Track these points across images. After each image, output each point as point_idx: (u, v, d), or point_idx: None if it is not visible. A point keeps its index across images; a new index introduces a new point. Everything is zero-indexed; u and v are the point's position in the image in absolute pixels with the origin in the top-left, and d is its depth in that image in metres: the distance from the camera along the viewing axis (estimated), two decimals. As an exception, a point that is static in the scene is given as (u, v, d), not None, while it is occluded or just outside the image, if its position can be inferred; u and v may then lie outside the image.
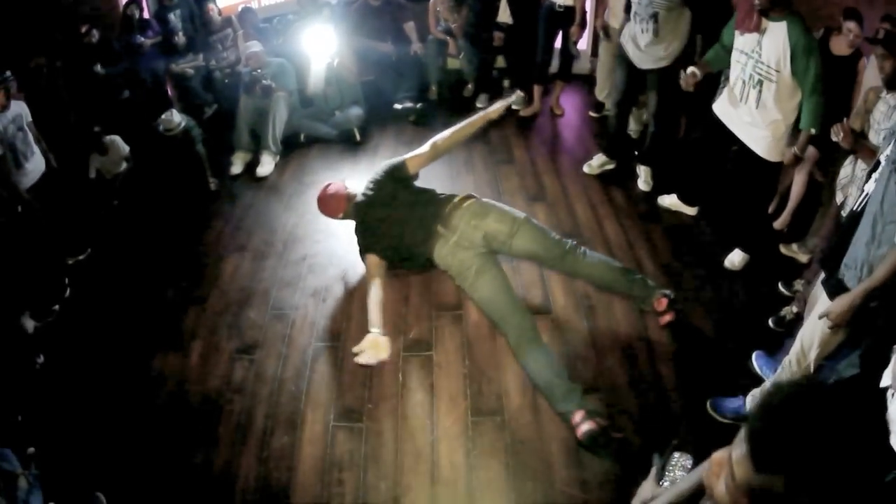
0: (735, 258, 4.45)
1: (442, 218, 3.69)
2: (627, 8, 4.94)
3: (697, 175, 4.85)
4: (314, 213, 5.04)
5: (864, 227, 2.59)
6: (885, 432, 1.13)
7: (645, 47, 4.77)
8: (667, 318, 3.73)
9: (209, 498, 3.23)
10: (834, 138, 3.39)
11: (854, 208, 2.76)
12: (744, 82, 4.05)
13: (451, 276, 3.72)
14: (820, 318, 2.74)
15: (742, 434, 1.21)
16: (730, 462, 1.23)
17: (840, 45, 4.14)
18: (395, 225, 3.78)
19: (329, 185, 4.21)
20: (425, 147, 4.03)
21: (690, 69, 4.36)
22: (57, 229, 4.77)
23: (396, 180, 3.92)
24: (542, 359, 3.45)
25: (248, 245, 4.95)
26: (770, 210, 4.84)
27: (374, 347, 3.37)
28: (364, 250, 3.91)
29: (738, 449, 1.21)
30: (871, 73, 3.90)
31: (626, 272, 3.85)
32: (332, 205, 4.16)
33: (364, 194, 3.97)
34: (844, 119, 3.40)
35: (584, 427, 3.17)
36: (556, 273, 4.30)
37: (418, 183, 4.01)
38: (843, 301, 2.60)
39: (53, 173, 4.78)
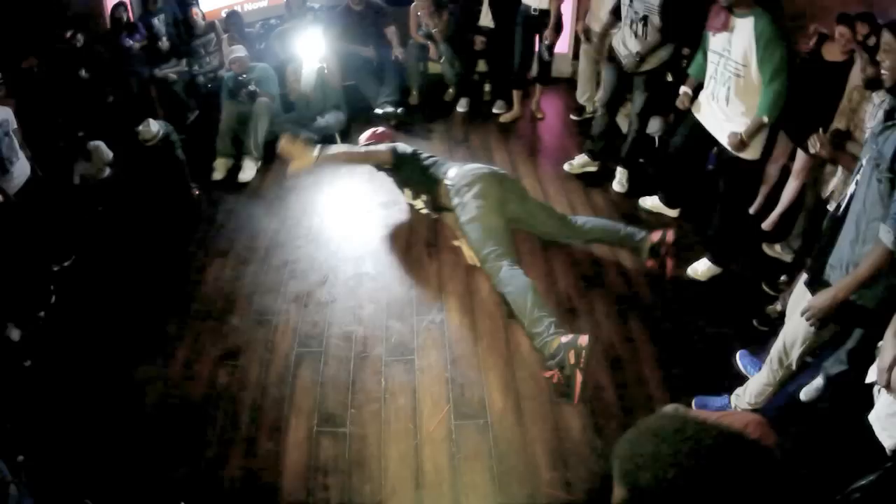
0: (700, 267, 4.44)
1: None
2: (615, 10, 4.98)
3: (679, 178, 4.88)
4: (296, 219, 5.08)
5: (849, 227, 2.60)
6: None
7: (634, 48, 4.78)
8: (668, 261, 4.06)
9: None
10: (811, 150, 3.41)
11: (838, 213, 2.75)
12: (715, 80, 4.08)
13: (450, 196, 4.19)
14: (802, 314, 2.73)
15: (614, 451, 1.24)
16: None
17: (833, 52, 4.14)
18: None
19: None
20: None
21: (683, 89, 4.43)
22: (42, 236, 4.75)
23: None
24: (522, 282, 3.70)
25: (230, 250, 4.94)
26: (752, 211, 4.88)
27: (301, 157, 4.26)
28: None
29: (616, 489, 1.23)
30: (854, 72, 3.94)
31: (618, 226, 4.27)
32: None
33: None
34: (820, 130, 3.40)
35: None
36: (538, 277, 4.33)
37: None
38: (825, 296, 2.59)
39: (38, 179, 4.75)
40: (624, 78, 5.05)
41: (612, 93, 5.27)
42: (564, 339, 3.32)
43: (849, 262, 2.58)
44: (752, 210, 4.81)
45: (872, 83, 3.48)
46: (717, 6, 3.87)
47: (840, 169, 3.67)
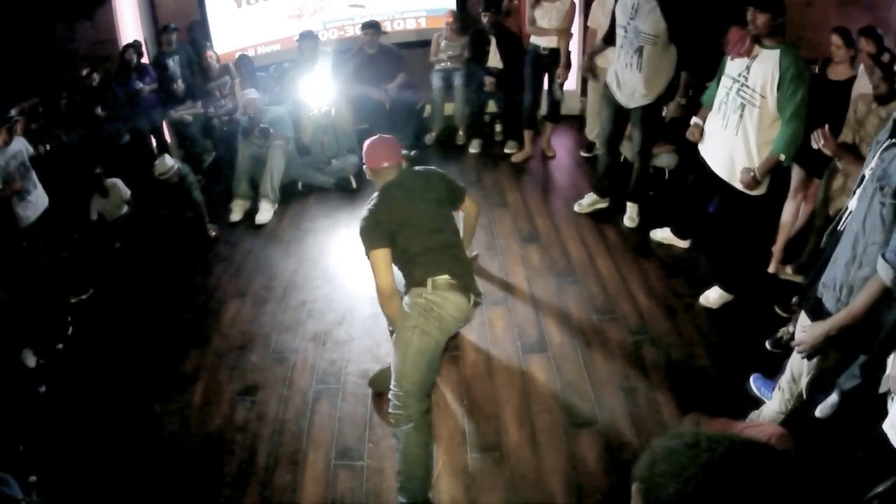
0: (712, 295, 4.44)
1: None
2: (606, 39, 5.07)
3: (689, 211, 4.91)
4: (313, 260, 5.15)
5: (845, 246, 2.53)
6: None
7: (628, 81, 4.82)
8: None
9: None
10: (815, 145, 3.40)
11: (839, 227, 2.69)
12: (726, 105, 4.04)
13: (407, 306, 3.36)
14: (792, 346, 2.72)
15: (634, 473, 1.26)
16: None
17: (837, 72, 4.19)
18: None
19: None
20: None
21: (694, 120, 4.41)
22: (60, 267, 4.85)
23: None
24: (427, 445, 3.21)
25: (248, 290, 5.03)
26: (772, 270, 4.74)
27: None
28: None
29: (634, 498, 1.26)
30: (858, 83, 3.96)
31: None
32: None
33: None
34: (826, 125, 3.38)
35: None
36: (551, 312, 4.40)
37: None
38: (817, 331, 2.54)
39: (55, 211, 4.87)
40: (620, 114, 5.07)
41: (611, 130, 5.28)
42: None
43: (842, 283, 2.53)
44: (771, 269, 4.71)
45: (884, 98, 3.51)
46: (742, 32, 3.82)
47: (843, 181, 3.69)
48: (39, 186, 4.78)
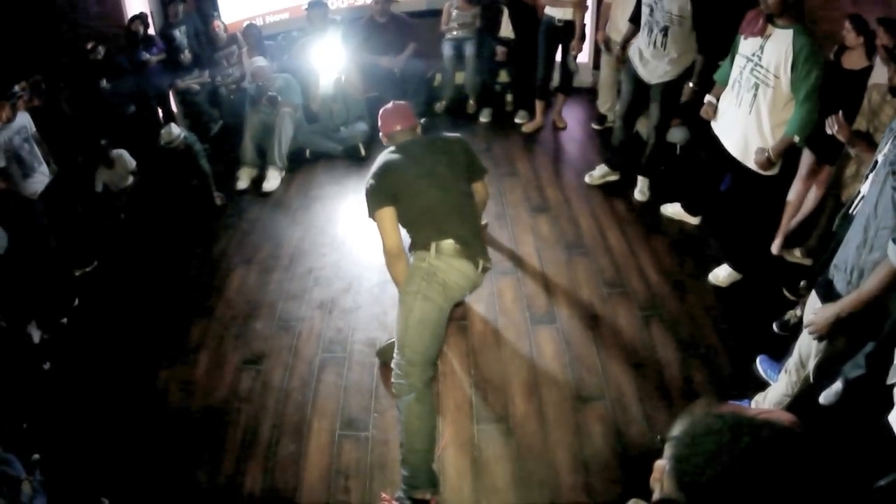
0: (721, 273, 4.41)
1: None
2: (633, 18, 4.97)
3: (701, 187, 4.85)
4: (320, 228, 5.12)
5: (856, 230, 2.53)
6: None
7: (651, 58, 4.78)
8: None
9: (216, 504, 3.26)
10: (829, 131, 3.37)
11: (850, 211, 2.70)
12: (739, 84, 4.00)
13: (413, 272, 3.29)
14: (804, 327, 2.70)
15: (669, 452, 1.28)
16: (663, 471, 1.29)
17: (852, 60, 4.13)
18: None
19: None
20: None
21: (707, 98, 4.37)
22: (64, 240, 4.83)
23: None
24: (429, 416, 3.13)
25: (254, 258, 5.00)
26: (776, 251, 4.68)
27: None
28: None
29: (667, 465, 1.27)
30: (874, 74, 3.90)
31: None
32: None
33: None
34: (840, 111, 3.35)
35: None
36: (561, 284, 4.37)
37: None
38: (828, 312, 2.53)
39: (60, 184, 4.84)
40: (641, 89, 5.03)
41: (629, 105, 5.24)
42: (429, 498, 3.03)
43: (853, 266, 2.52)
44: (774, 250, 4.66)
45: None
46: (756, 11, 3.78)
47: (856, 168, 3.64)
48: (44, 163, 4.74)
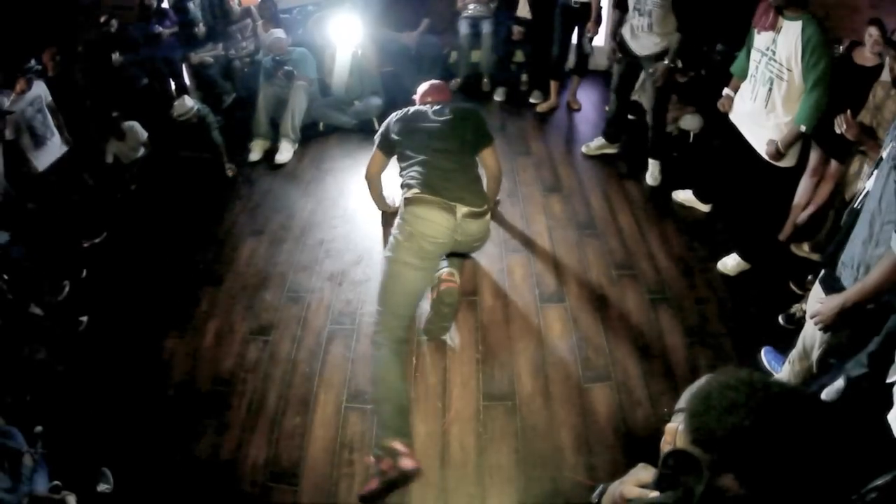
0: (729, 262, 4.40)
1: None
2: (618, 4, 5.12)
3: (713, 175, 4.83)
4: (332, 200, 5.12)
5: (862, 225, 2.52)
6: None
7: (641, 35, 4.87)
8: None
9: (219, 476, 3.28)
10: (838, 130, 3.37)
11: (855, 205, 2.68)
12: (755, 79, 3.99)
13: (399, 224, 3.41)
14: (809, 317, 2.70)
15: (684, 412, 1.33)
16: (676, 432, 1.34)
17: (863, 56, 4.11)
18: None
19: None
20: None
21: (726, 91, 4.35)
22: (73, 211, 4.84)
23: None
24: (395, 369, 3.28)
25: (265, 229, 5.01)
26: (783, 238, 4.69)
27: None
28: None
29: (681, 423, 1.33)
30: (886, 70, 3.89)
31: None
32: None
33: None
34: (848, 111, 3.34)
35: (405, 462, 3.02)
36: (571, 264, 4.38)
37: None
38: (833, 303, 2.54)
39: (71, 155, 4.85)
40: (632, 63, 5.13)
41: (621, 77, 5.34)
42: (397, 446, 3.05)
43: (860, 261, 2.51)
44: (782, 237, 4.63)
45: None
46: (766, 4, 3.77)
47: (860, 164, 3.63)
48: (57, 133, 4.75)
